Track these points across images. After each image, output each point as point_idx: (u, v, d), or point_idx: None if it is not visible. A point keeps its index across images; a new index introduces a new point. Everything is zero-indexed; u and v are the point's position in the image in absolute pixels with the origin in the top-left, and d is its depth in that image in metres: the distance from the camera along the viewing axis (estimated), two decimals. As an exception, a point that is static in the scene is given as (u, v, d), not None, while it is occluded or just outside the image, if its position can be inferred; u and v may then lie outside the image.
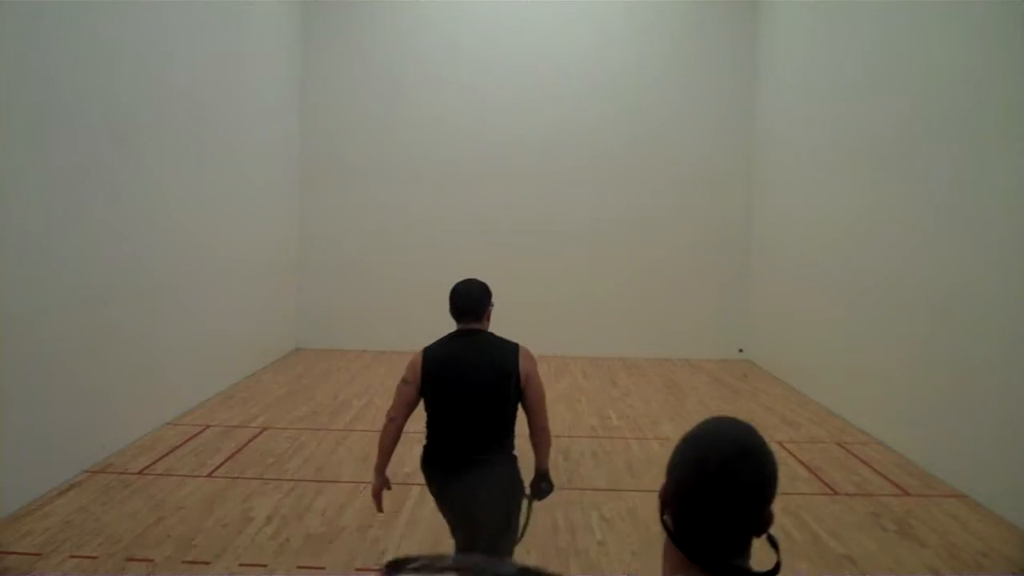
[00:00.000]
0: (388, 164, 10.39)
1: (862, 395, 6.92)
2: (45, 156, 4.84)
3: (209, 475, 5.27)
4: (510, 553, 3.15)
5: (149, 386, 6.16)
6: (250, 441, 6.08)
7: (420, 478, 5.11)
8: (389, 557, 4.05)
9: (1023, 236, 4.78)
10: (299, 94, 10.28)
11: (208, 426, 6.43)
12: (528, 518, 3.17)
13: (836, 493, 5.24)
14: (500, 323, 3.26)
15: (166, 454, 5.65)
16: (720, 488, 1.10)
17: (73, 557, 3.93)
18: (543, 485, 3.13)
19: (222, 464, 5.50)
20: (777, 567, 1.11)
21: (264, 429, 6.41)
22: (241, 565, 3.94)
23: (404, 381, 3.07)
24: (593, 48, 10.36)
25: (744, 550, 1.14)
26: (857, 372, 7.02)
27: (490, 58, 10.34)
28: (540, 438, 3.09)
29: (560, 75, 10.34)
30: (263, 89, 9.00)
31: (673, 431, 6.73)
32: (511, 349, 3.06)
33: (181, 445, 5.87)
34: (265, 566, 3.94)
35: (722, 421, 1.21)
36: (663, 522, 1.17)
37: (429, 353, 3.07)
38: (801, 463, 5.86)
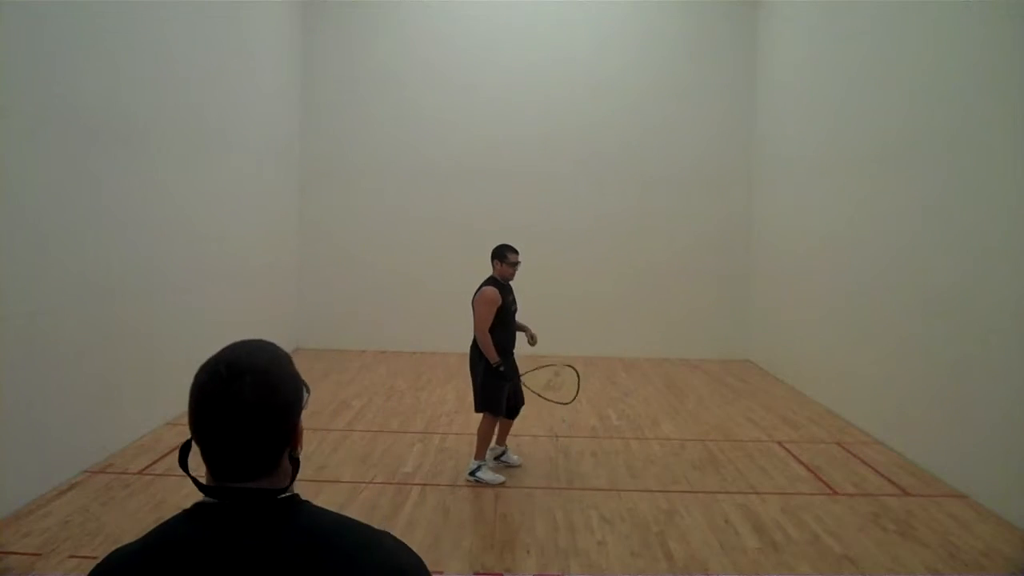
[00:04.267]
0: (388, 164, 10.39)
1: (862, 395, 6.92)
2: (47, 155, 4.84)
3: (209, 475, 5.26)
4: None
5: (150, 386, 6.16)
6: (250, 441, 6.07)
7: (420, 478, 5.33)
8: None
9: (1021, 235, 4.79)
10: (300, 94, 10.28)
11: (208, 426, 6.41)
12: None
13: (836, 493, 5.23)
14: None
15: (166, 454, 5.65)
16: (221, 410, 1.09)
17: (73, 557, 3.93)
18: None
19: (222, 464, 5.49)
20: (290, 483, 1.16)
21: (264, 429, 6.40)
22: (241, 565, 3.93)
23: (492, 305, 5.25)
24: (593, 48, 10.37)
25: (271, 471, 1.13)
26: (857, 372, 7.02)
27: (491, 58, 10.34)
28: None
29: (560, 75, 10.34)
30: (264, 89, 9.00)
31: (673, 431, 6.74)
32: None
33: (181, 445, 5.86)
34: (265, 566, 3.94)
35: (235, 347, 1.20)
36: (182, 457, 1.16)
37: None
38: (801, 463, 5.86)
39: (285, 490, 1.14)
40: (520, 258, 5.44)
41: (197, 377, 1.14)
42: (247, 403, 1.10)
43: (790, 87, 9.17)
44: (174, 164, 6.63)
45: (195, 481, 1.13)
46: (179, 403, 7.00)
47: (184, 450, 1.14)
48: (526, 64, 10.33)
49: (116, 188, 5.67)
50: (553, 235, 10.31)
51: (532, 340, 5.57)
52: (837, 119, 7.72)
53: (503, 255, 5.40)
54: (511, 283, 5.45)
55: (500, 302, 5.21)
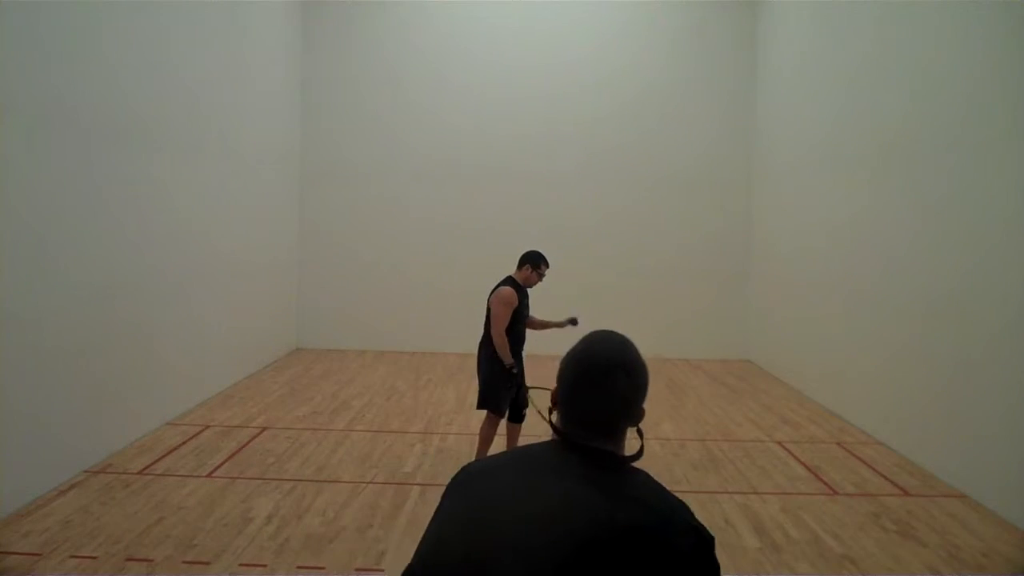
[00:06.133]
0: (388, 163, 10.39)
1: (862, 395, 6.92)
2: (46, 156, 4.84)
3: (209, 475, 5.26)
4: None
5: (149, 386, 6.16)
6: (250, 441, 6.07)
7: (420, 478, 5.29)
8: (389, 557, 4.06)
9: (1022, 234, 4.79)
10: (299, 94, 10.28)
11: (208, 426, 6.42)
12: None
13: (836, 493, 5.24)
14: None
15: (166, 454, 5.64)
16: (597, 396, 1.38)
17: (73, 557, 3.92)
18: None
19: (222, 464, 5.50)
20: (640, 451, 1.42)
21: (264, 429, 6.41)
22: (241, 565, 3.93)
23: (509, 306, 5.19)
24: (593, 48, 10.36)
25: (614, 438, 1.40)
26: (857, 372, 7.02)
27: (491, 57, 10.34)
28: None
29: (560, 75, 10.34)
30: (264, 88, 9.00)
31: (673, 431, 6.74)
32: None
33: (181, 445, 5.87)
34: (265, 566, 3.94)
35: (598, 339, 1.47)
36: (550, 421, 1.46)
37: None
38: (801, 463, 5.86)
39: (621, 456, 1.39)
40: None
41: (574, 364, 1.41)
42: (617, 394, 1.38)
43: (790, 86, 9.17)
44: (174, 164, 6.63)
45: (554, 428, 1.43)
46: (179, 403, 7.04)
47: (552, 409, 1.45)
48: (525, 64, 10.32)
49: (115, 188, 5.67)
50: (552, 235, 10.27)
51: (567, 323, 5.54)
52: (837, 118, 7.72)
53: (538, 264, 5.40)
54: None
55: (517, 304, 5.21)
